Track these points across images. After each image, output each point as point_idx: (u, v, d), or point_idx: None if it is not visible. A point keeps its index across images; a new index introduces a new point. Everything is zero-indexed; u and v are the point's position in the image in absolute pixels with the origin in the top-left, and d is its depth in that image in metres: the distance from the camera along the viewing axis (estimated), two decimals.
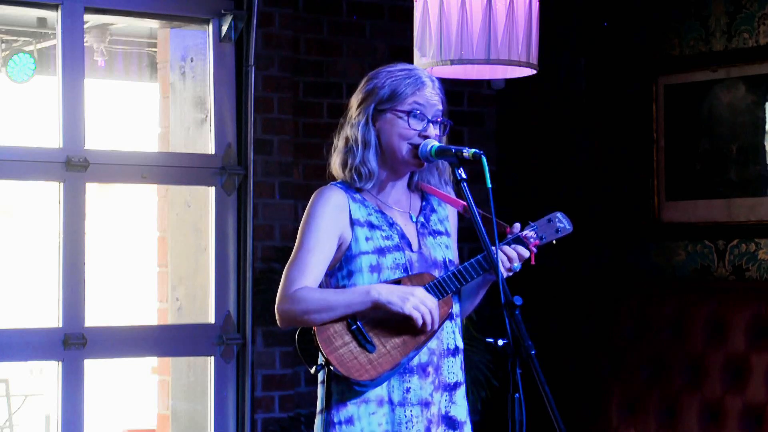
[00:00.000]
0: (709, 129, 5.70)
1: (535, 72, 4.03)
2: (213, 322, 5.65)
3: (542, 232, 3.34)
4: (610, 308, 5.79)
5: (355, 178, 3.29)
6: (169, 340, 5.68)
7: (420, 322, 3.18)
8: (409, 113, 3.26)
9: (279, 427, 5.71)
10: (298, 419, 5.73)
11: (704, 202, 5.72)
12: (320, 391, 3.29)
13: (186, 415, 5.90)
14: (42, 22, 7.39)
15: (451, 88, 6.32)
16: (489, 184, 3.08)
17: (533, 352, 3.04)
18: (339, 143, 3.35)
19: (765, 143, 5.51)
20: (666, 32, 5.87)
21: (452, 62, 3.91)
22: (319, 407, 3.29)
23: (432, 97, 3.29)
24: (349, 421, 3.22)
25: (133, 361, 8.74)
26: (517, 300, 3.06)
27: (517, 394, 3.04)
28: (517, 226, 3.32)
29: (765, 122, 5.51)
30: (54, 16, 5.37)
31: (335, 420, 3.23)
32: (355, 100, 3.36)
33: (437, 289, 3.24)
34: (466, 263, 3.27)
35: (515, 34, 3.89)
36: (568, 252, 6.21)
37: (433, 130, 3.28)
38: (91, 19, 6.69)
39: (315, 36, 6.06)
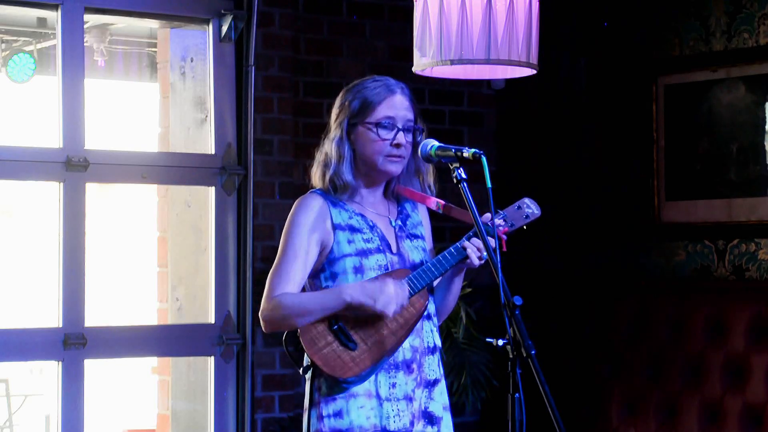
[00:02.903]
0: (709, 129, 5.70)
1: (535, 72, 4.02)
2: (213, 322, 5.65)
3: (512, 219, 3.45)
4: (610, 308, 5.79)
5: (330, 189, 3.41)
6: (169, 340, 5.68)
7: (391, 317, 3.29)
8: (377, 124, 3.37)
9: (279, 427, 5.71)
10: (298, 419, 5.73)
11: (704, 202, 5.71)
12: (308, 388, 3.39)
13: (186, 415, 5.90)
14: (42, 22, 7.39)
15: (451, 88, 6.39)
16: (489, 184, 3.16)
17: (533, 352, 3.06)
18: (319, 157, 3.47)
19: (765, 143, 5.51)
20: (666, 32, 5.87)
21: (452, 62, 3.90)
22: (306, 404, 3.39)
23: (401, 105, 3.40)
24: (338, 414, 3.34)
25: (133, 361, 8.73)
26: (517, 300, 3.10)
27: (517, 394, 3.06)
28: (487, 216, 3.37)
29: (765, 122, 5.51)
30: (54, 16, 5.37)
31: (324, 413, 3.35)
32: (333, 115, 3.48)
33: (413, 284, 3.34)
34: (438, 256, 3.39)
35: (515, 34, 3.89)
36: (569, 252, 6.21)
37: (404, 138, 3.38)
38: (91, 19, 6.69)
39: (315, 36, 6.06)
